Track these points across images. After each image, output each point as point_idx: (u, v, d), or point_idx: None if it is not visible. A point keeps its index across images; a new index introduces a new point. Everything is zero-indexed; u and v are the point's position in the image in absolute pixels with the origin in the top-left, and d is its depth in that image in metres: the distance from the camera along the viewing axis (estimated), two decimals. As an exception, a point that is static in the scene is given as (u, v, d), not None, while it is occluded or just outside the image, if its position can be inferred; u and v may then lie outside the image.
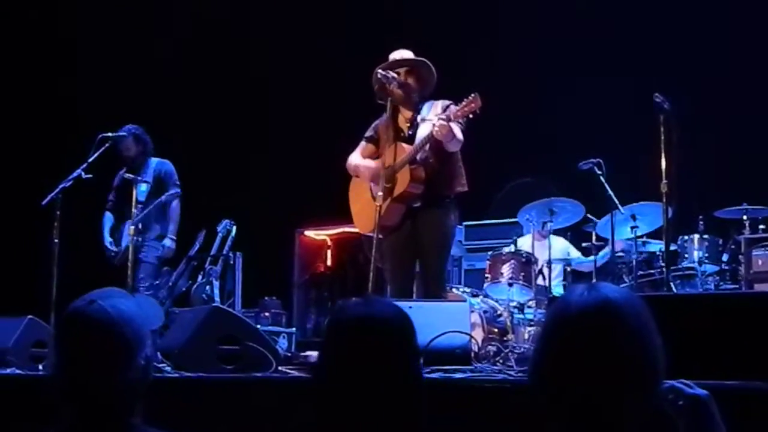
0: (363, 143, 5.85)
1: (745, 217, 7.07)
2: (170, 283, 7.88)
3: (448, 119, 5.27)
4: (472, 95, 5.28)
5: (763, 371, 3.13)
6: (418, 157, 5.50)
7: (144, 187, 7.02)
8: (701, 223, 7.15)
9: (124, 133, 7.12)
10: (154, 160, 7.42)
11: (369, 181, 5.68)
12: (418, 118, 5.61)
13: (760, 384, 3.08)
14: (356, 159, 5.82)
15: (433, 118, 5.39)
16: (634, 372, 1.82)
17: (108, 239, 7.33)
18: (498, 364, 4.94)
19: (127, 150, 7.30)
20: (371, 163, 5.71)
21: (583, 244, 7.62)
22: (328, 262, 9.21)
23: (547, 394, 1.88)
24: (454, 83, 5.70)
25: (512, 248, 7.25)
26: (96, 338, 2.12)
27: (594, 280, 6.06)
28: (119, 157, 7.29)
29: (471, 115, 5.32)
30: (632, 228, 6.96)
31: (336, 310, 2.14)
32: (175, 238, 7.33)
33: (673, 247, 6.83)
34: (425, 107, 5.64)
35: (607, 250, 7.18)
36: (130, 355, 2.14)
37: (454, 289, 6.90)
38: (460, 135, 5.44)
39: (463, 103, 5.31)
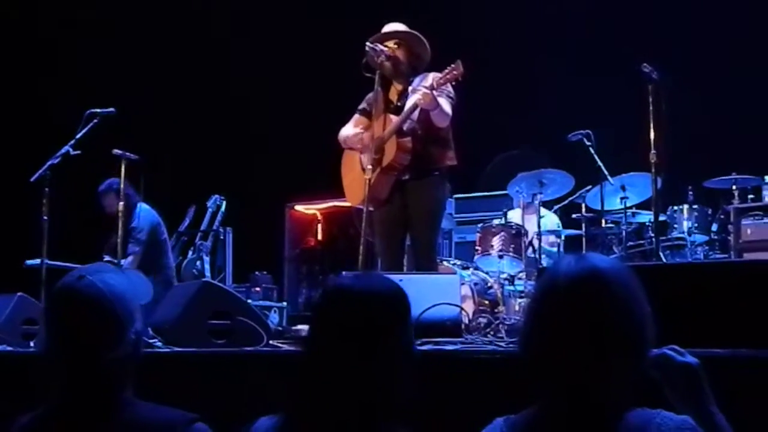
0: (356, 116, 5.83)
1: (734, 187, 7.10)
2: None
3: (431, 87, 5.28)
4: (454, 63, 5.29)
5: (752, 339, 3.15)
6: (405, 127, 5.49)
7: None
8: (690, 193, 7.18)
9: (112, 110, 6.83)
10: (139, 208, 7.06)
11: (359, 152, 5.67)
12: (409, 89, 5.59)
13: (749, 352, 3.09)
14: (347, 130, 5.80)
15: (421, 89, 5.38)
16: (622, 340, 1.83)
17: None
18: (488, 335, 4.95)
19: (110, 207, 6.85)
20: (361, 134, 5.69)
21: (573, 216, 7.62)
22: (319, 237, 9.21)
23: (537, 363, 1.89)
24: (443, 55, 5.67)
25: (502, 220, 7.26)
26: (86, 314, 2.10)
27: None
28: (104, 215, 6.90)
29: (454, 83, 5.34)
30: (622, 199, 6.98)
31: (330, 283, 2.12)
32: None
33: (662, 218, 6.85)
34: (417, 80, 5.61)
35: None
36: (121, 330, 2.13)
37: (444, 262, 6.92)
38: (447, 108, 5.43)
39: (446, 71, 5.33)
